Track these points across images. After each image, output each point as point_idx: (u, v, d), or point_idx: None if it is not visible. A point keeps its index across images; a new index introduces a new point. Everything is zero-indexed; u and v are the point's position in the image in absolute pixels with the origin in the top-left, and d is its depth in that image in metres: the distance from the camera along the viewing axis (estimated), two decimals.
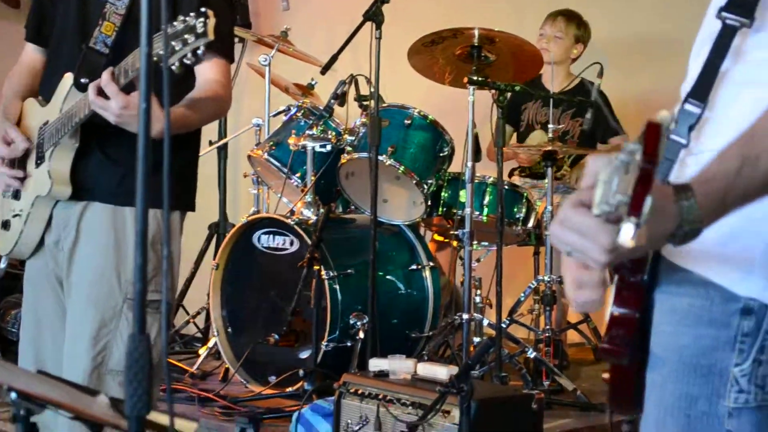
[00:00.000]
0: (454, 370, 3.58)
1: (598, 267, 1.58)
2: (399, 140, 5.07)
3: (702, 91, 1.75)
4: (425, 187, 5.07)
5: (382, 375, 3.81)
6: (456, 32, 5.06)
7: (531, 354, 4.91)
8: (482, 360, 4.63)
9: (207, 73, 3.15)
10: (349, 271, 4.99)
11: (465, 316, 4.84)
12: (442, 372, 3.69)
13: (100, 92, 2.85)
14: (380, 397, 3.70)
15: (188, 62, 2.63)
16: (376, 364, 3.90)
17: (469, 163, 4.84)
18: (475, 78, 4.85)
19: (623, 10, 6.43)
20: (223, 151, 6.75)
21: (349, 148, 5.14)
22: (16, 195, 3.26)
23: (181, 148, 3.21)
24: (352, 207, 5.46)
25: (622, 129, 5.94)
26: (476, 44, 5.05)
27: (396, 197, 5.27)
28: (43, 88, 3.29)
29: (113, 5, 3.12)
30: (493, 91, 4.84)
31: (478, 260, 5.15)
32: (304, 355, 4.93)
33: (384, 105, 5.12)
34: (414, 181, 5.03)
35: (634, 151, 1.42)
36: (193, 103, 3.09)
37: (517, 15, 6.61)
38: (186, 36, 2.60)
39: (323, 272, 4.82)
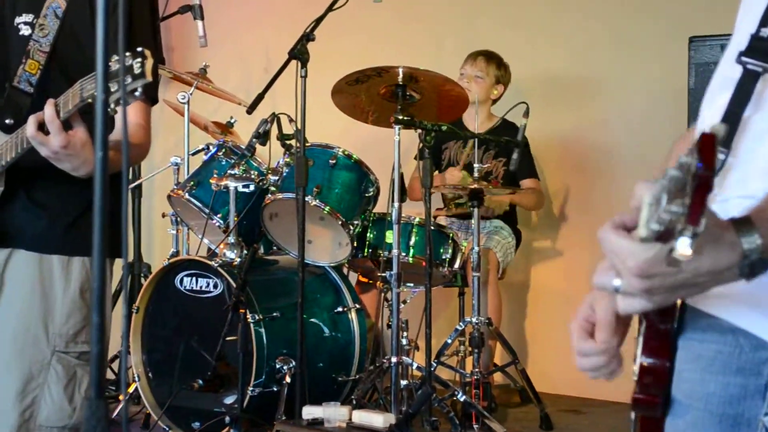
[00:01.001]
0: (389, 417, 3.52)
1: (638, 295, 1.50)
2: (324, 180, 4.99)
3: (725, 137, 1.66)
4: (351, 227, 5.00)
5: (316, 423, 3.73)
6: (380, 71, 5.00)
7: (461, 397, 4.85)
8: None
9: (130, 116, 3.03)
10: (274, 314, 4.90)
11: (393, 360, 4.77)
12: (378, 420, 3.63)
13: (40, 126, 2.73)
14: None
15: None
16: (309, 411, 3.82)
17: (396, 204, 4.78)
18: (401, 117, 4.79)
19: (541, 52, 6.44)
20: (137, 190, 6.61)
21: (272, 189, 5.05)
22: None
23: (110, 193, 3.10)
24: (275, 248, 5.36)
25: (536, 173, 5.95)
26: (401, 83, 4.99)
27: (321, 238, 5.20)
28: None
29: (37, 42, 2.99)
30: (419, 130, 4.78)
31: (404, 302, 5.07)
32: (230, 400, 4.82)
33: (308, 144, 5.04)
34: (339, 222, 4.96)
35: (686, 164, 1.33)
36: (117, 146, 2.99)
37: (438, 53, 6.58)
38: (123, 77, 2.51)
39: (248, 315, 4.72)
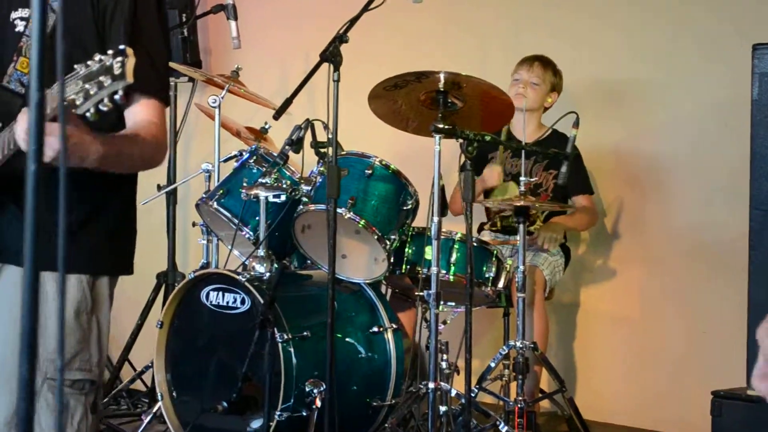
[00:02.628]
0: None
1: None
2: (359, 192, 4.70)
3: None
4: (387, 243, 4.69)
5: None
6: (420, 76, 4.69)
7: (503, 428, 4.53)
8: None
9: (140, 113, 2.76)
10: (305, 333, 4.62)
11: (431, 386, 4.46)
12: None
13: None
14: None
15: (104, 108, 2.24)
16: None
17: (435, 218, 4.47)
18: (441, 126, 4.48)
19: (591, 56, 6.09)
20: (172, 197, 6.35)
21: (305, 199, 4.76)
22: None
23: (108, 202, 2.81)
24: (309, 262, 5.06)
25: (590, 188, 5.61)
26: (442, 89, 4.68)
27: (356, 253, 4.90)
28: None
29: (30, 38, 2.72)
30: (461, 140, 4.46)
31: (444, 322, 4.76)
32: (256, 425, 4.54)
33: (343, 153, 4.75)
34: (375, 237, 4.66)
35: None
36: (132, 136, 2.70)
37: (482, 59, 6.25)
38: (101, 78, 2.22)
39: (277, 334, 4.44)
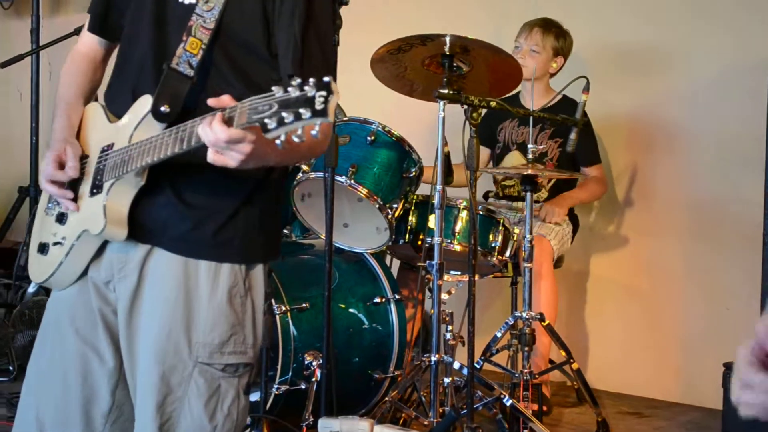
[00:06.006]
0: None
1: None
2: (360, 159, 4.55)
3: None
4: (389, 211, 4.56)
5: None
6: (425, 39, 4.53)
7: (507, 402, 4.41)
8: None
9: None
10: (303, 305, 4.50)
11: (433, 358, 4.33)
12: None
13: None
14: None
15: (297, 140, 2.10)
16: (326, 425, 3.39)
17: (439, 187, 4.32)
18: (444, 91, 4.33)
19: (606, 18, 5.91)
20: None
21: (305, 167, 4.62)
22: (61, 218, 2.72)
23: (260, 191, 2.68)
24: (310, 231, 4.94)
25: (599, 157, 5.46)
26: (447, 53, 4.52)
27: (358, 222, 4.77)
28: (109, 98, 2.74)
29: (200, 17, 2.57)
30: (466, 106, 4.31)
31: (449, 292, 4.62)
32: (253, 398, 4.41)
33: (344, 119, 4.64)
34: (377, 205, 4.53)
35: None
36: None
37: (493, 23, 6.08)
38: (300, 110, 2.07)
39: (274, 306, 4.32)
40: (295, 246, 4.97)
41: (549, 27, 5.44)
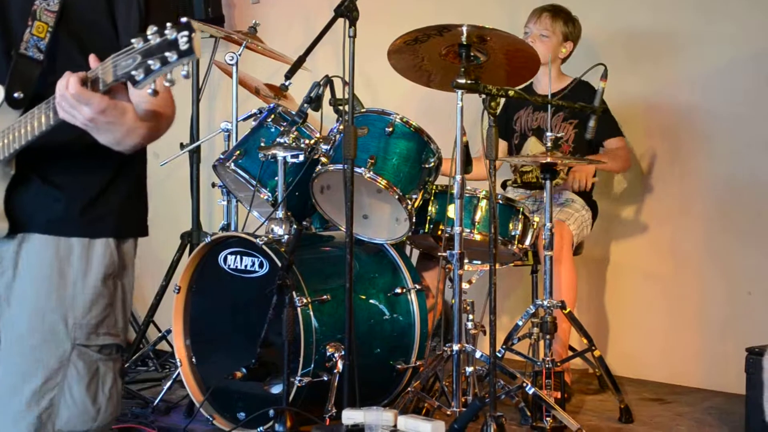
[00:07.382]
0: (439, 426, 3.10)
1: None
2: (379, 150, 4.55)
3: None
4: (408, 202, 4.56)
5: (356, 430, 3.30)
6: (442, 29, 4.52)
7: (530, 390, 4.41)
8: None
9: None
10: (324, 297, 4.50)
11: (455, 348, 4.34)
12: (425, 428, 3.20)
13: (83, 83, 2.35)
14: None
15: (168, 84, 2.13)
16: (349, 416, 3.39)
17: (458, 176, 4.32)
18: (462, 81, 4.32)
19: (617, 4, 5.88)
20: (195, 155, 6.22)
21: (324, 159, 4.62)
22: None
23: (126, 165, 2.71)
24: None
25: (620, 131, 5.42)
26: (465, 43, 4.51)
27: (377, 213, 4.77)
28: None
29: (44, 1, 2.59)
30: (483, 96, 4.30)
31: (469, 282, 4.62)
32: (276, 390, 4.43)
33: (362, 111, 4.64)
34: (396, 196, 4.52)
35: None
36: (149, 117, 2.58)
37: (507, 12, 6.06)
38: (166, 54, 2.10)
39: (295, 298, 4.32)
40: (314, 238, 4.98)
41: (558, 12, 5.46)
